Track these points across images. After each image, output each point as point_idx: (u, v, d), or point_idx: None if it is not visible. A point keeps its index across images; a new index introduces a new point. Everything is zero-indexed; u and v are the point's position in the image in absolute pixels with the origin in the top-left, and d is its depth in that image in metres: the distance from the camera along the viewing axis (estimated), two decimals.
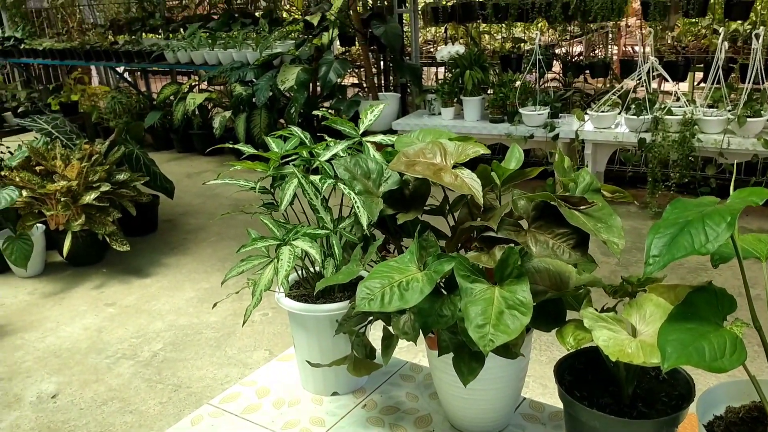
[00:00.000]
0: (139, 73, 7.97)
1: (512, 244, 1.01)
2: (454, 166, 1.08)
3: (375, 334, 1.40)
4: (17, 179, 3.88)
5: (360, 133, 1.44)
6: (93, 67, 8.87)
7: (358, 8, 5.36)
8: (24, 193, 3.87)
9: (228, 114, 6.06)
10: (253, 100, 5.77)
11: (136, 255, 4.29)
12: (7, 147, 5.04)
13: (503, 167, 1.12)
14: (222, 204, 5.31)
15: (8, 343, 3.38)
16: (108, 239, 4.01)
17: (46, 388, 2.98)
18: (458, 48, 5.13)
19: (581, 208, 1.04)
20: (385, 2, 5.89)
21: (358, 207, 1.15)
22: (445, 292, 1.04)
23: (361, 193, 1.17)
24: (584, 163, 4.64)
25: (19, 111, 4.41)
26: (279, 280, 1.23)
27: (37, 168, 4.02)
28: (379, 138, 1.40)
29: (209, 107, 6.73)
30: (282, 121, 6.07)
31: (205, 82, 6.72)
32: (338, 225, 1.27)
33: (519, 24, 5.54)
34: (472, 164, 1.10)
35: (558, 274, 1.06)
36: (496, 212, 1.07)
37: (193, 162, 6.64)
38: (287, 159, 1.48)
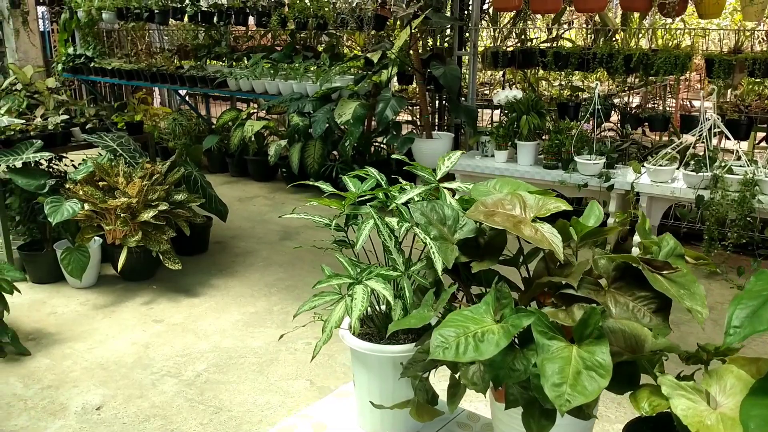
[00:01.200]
0: (200, 97, 8.23)
1: (593, 304, 1.00)
2: (534, 220, 1.09)
3: (435, 377, 1.39)
4: (81, 193, 4.02)
5: (437, 179, 1.45)
6: (156, 89, 9.20)
7: (418, 49, 5.44)
8: (86, 206, 4.01)
9: (283, 143, 6.19)
10: (310, 131, 5.89)
11: (185, 274, 4.37)
12: (71, 161, 5.24)
13: (582, 224, 1.12)
14: (271, 230, 5.38)
15: (58, 352, 3.46)
16: (161, 257, 4.11)
17: (91, 400, 3.03)
18: (516, 93, 5.15)
19: (665, 272, 1.03)
20: (445, 44, 5.98)
21: (433, 252, 1.16)
22: (518, 346, 1.03)
23: (436, 238, 1.18)
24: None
25: (87, 127, 4.57)
26: (353, 320, 1.24)
27: (100, 183, 4.17)
28: (455, 185, 1.41)
29: (265, 135, 6.88)
30: (335, 152, 6.17)
31: (264, 111, 6.88)
32: (410, 268, 1.28)
33: (577, 72, 5.54)
34: (549, 217, 1.11)
35: (633, 337, 1.05)
36: (576, 269, 1.07)
37: (246, 186, 6.77)
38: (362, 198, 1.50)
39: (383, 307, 1.44)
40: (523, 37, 5.88)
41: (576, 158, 4.70)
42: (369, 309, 1.48)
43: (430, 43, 6.11)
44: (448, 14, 5.72)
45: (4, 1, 9.26)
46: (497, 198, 1.14)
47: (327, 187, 1.59)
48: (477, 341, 0.96)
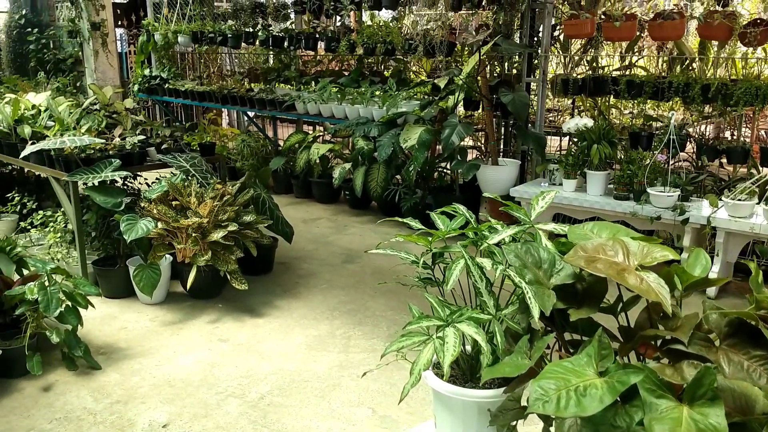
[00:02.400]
0: (267, 119, 8.41)
1: (706, 363, 0.94)
2: (638, 268, 1.04)
3: (522, 425, 1.34)
4: (154, 211, 4.14)
5: (531, 219, 1.42)
6: (225, 110, 9.46)
7: (486, 75, 5.42)
8: (159, 225, 4.12)
9: (348, 166, 6.24)
10: (374, 154, 5.92)
11: (250, 294, 4.43)
12: (145, 179, 5.42)
13: (688, 273, 1.06)
14: (334, 252, 5.41)
15: (127, 367, 3.54)
16: (228, 276, 4.18)
17: (158, 417, 3.08)
18: (586, 121, 5.05)
19: None
20: (514, 71, 5.93)
21: (529, 298, 1.13)
22: (619, 400, 0.98)
23: (531, 282, 1.14)
24: (715, 252, 4.38)
25: (162, 147, 4.72)
26: (445, 366, 1.21)
27: (173, 203, 4.28)
28: (550, 227, 1.37)
29: (330, 158, 6.96)
30: (398, 177, 6.18)
31: (329, 134, 6.97)
32: (501, 311, 1.24)
33: (649, 101, 5.40)
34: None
35: (744, 396, 0.98)
36: (685, 323, 1.01)
37: (310, 208, 6.85)
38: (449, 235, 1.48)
39: (468, 348, 1.40)
40: (594, 64, 5.77)
41: (649, 190, 4.56)
42: None
43: (498, 69, 6.07)
44: (518, 41, 5.68)
45: (85, 23, 9.75)
46: (598, 243, 1.09)
47: (416, 224, 1.57)
48: (579, 396, 0.91)
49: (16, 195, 5.21)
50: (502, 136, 6.19)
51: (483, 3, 5.63)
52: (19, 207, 5.19)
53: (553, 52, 5.82)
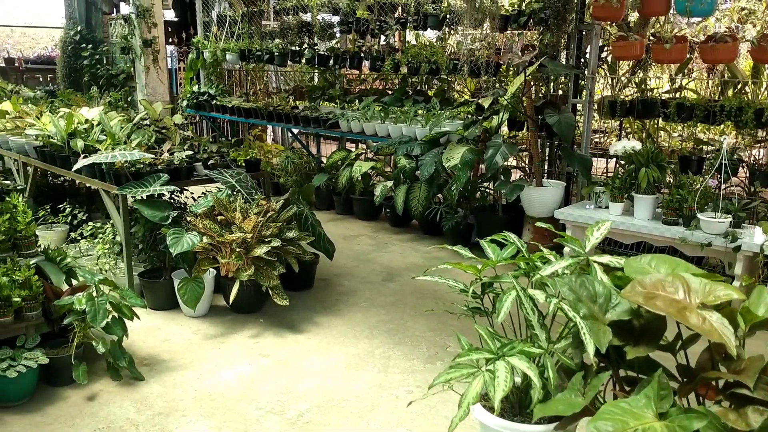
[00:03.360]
0: (311, 136, 8.51)
1: None
2: (699, 306, 1.00)
3: None
4: (200, 226, 4.21)
5: (586, 251, 1.39)
6: (269, 127, 9.61)
7: (531, 95, 5.38)
8: (204, 239, 4.18)
9: (389, 184, 6.25)
10: (416, 173, 5.92)
11: (291, 310, 4.44)
12: (192, 193, 5.52)
13: (753, 312, 1.02)
14: (374, 270, 5.41)
15: (170, 379, 3.59)
16: (270, 292, 4.21)
17: (198, 431, 3.11)
18: (634, 143, 4.96)
19: None
20: (559, 91, 5.88)
21: (584, 333, 1.10)
22: None
23: (586, 317, 1.11)
24: None
25: (209, 163, 4.81)
26: (496, 401, 1.18)
27: (219, 218, 4.35)
28: (606, 259, 1.34)
29: (372, 175, 6.99)
30: (440, 195, 6.16)
31: (372, 152, 7.01)
32: (553, 345, 1.21)
33: (700, 125, 5.28)
34: None
35: None
36: (750, 366, 0.97)
37: (351, 225, 6.88)
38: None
39: (518, 380, 1.37)
40: (642, 86, 5.68)
41: (699, 215, 4.44)
42: None
43: (543, 90, 6.02)
44: (563, 62, 5.63)
45: (138, 40, 10.06)
46: (656, 279, 1.06)
47: (466, 252, 1.56)
48: None
49: (68, 206, 5.36)
50: (547, 157, 6.13)
51: (529, 24, 5.61)
52: (70, 218, 5.34)
53: (600, 73, 5.75)
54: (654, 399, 0.95)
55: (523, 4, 5.68)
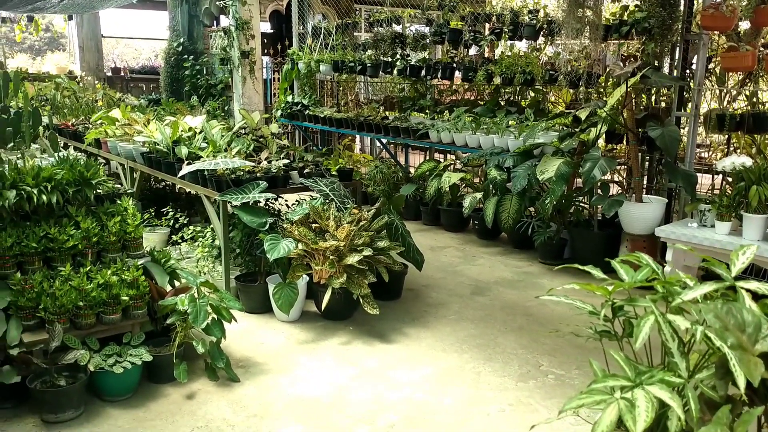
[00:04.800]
0: (400, 146, 8.55)
1: None
2: None
3: None
4: (296, 233, 4.29)
5: (732, 276, 1.30)
6: (357, 136, 9.74)
7: (633, 107, 5.18)
8: (299, 246, 4.26)
9: (478, 195, 6.18)
10: (507, 185, 5.82)
11: (380, 319, 4.45)
12: (285, 200, 5.65)
13: None
14: (462, 282, 5.35)
15: (264, 382, 3.66)
16: (361, 300, 4.23)
17: None
18: (744, 159, 4.67)
19: None
20: (662, 104, 5.64)
21: (733, 365, 1.02)
22: None
23: (734, 347, 1.04)
24: None
25: (305, 171, 4.91)
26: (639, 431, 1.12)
27: (313, 225, 4.42)
28: (754, 285, 1.25)
29: (460, 186, 6.93)
30: (531, 209, 6.03)
31: (462, 163, 6.95)
32: (694, 375, 1.14)
33: None
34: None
35: None
36: None
37: (438, 236, 6.85)
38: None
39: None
40: (754, 99, 5.36)
41: None
42: None
43: (644, 101, 5.79)
44: (666, 72, 5.40)
45: (236, 51, 10.44)
46: None
47: (598, 273, 1.49)
48: None
49: (171, 210, 5.61)
50: (645, 172, 5.88)
51: (631, 33, 5.42)
52: (172, 221, 5.58)
53: (707, 85, 5.47)
54: None
55: (625, 14, 5.49)
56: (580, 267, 1.54)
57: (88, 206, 3.78)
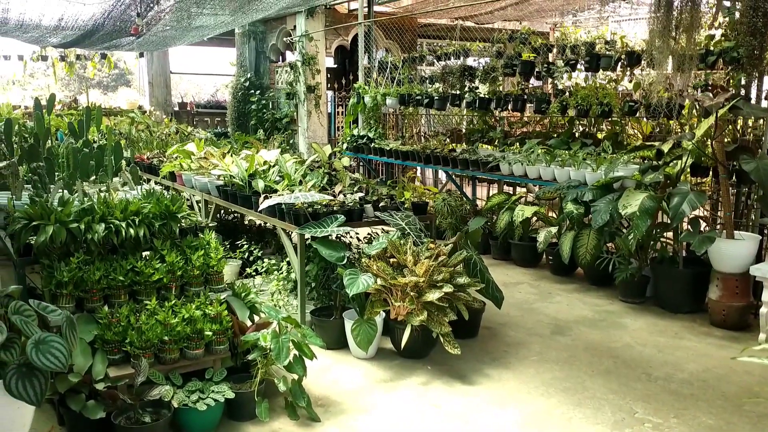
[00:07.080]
0: (466, 178, 8.44)
1: None
2: None
3: None
4: (374, 268, 4.21)
5: None
6: (417, 168, 9.68)
7: (723, 140, 4.94)
8: (378, 281, 4.17)
9: (553, 230, 5.99)
10: (584, 220, 5.62)
11: (458, 358, 4.30)
12: (356, 233, 5.59)
13: None
14: (540, 321, 5.14)
15: (345, 423, 3.54)
16: (441, 339, 4.10)
17: None
18: None
19: None
20: (750, 136, 5.37)
21: None
22: None
23: None
24: None
25: (380, 205, 4.85)
26: None
27: (391, 260, 4.33)
28: None
29: (533, 220, 6.75)
30: (609, 244, 5.80)
31: (535, 196, 6.78)
32: None
33: None
34: None
35: None
36: None
37: (509, 271, 6.66)
38: None
39: None
40: None
41: None
42: None
43: (732, 134, 5.54)
44: (753, 102, 5.15)
45: (302, 86, 10.60)
46: None
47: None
48: None
49: (245, 243, 5.62)
50: (733, 206, 5.58)
51: (718, 63, 5.21)
52: (246, 254, 5.59)
53: None
54: None
55: (711, 43, 5.29)
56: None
57: (172, 240, 3.79)
